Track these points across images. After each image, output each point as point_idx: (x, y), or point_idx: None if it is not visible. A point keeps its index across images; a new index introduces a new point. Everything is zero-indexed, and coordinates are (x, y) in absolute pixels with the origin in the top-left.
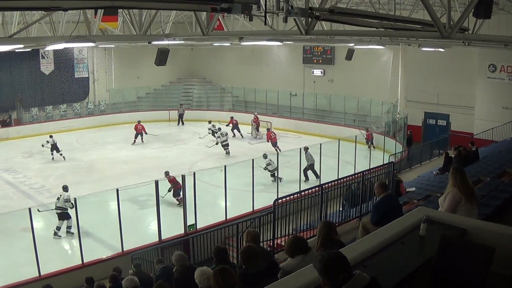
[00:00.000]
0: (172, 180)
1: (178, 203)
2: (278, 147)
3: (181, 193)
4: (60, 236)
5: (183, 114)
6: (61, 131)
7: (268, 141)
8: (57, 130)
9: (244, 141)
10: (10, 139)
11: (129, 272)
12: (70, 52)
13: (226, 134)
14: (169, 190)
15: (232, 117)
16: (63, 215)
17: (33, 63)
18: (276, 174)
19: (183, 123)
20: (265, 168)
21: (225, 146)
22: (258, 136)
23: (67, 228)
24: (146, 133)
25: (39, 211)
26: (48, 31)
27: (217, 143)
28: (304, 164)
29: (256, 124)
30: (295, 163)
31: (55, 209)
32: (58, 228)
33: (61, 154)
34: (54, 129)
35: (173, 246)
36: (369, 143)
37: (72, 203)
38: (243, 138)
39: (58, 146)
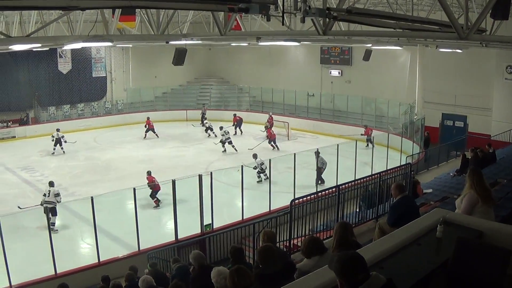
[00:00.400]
0: (150, 180)
1: (154, 205)
2: (276, 145)
3: (157, 196)
4: (57, 230)
5: (205, 113)
6: (79, 130)
7: (266, 138)
8: (74, 129)
9: (259, 141)
10: (27, 137)
11: (144, 271)
12: (87, 51)
13: (228, 132)
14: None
15: (235, 114)
16: (54, 210)
17: (51, 62)
18: (266, 174)
19: (203, 123)
20: (255, 168)
21: (229, 143)
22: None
23: (52, 224)
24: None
25: (19, 208)
26: (65, 31)
27: (221, 141)
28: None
29: (270, 124)
30: (312, 163)
31: (45, 204)
32: (53, 224)
33: (62, 148)
34: (72, 128)
35: (190, 246)
36: (368, 140)
37: (60, 197)
38: (241, 135)
39: (62, 141)
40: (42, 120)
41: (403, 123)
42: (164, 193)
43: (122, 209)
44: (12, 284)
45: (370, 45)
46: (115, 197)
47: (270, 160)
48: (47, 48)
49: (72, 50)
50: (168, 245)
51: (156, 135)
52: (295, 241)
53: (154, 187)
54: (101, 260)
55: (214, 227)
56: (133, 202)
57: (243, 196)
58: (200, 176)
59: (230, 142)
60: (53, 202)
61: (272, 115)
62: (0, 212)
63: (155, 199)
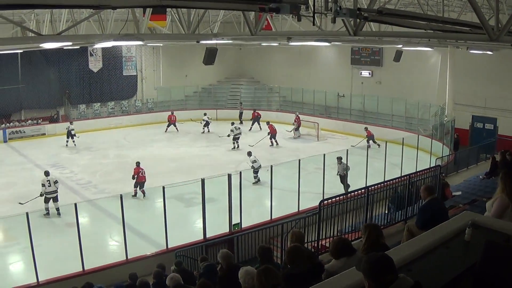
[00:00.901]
0: (135, 172)
1: (133, 194)
2: (276, 140)
3: (138, 187)
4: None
5: (242, 112)
6: (109, 128)
7: (268, 134)
8: (104, 127)
9: (288, 142)
10: (57, 135)
11: (171, 269)
12: (118, 50)
13: (239, 128)
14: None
15: (255, 109)
16: (56, 197)
17: (81, 60)
18: (258, 176)
19: (241, 122)
20: (252, 167)
21: (236, 140)
22: (294, 136)
23: (57, 209)
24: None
25: (20, 204)
26: (96, 29)
27: (228, 135)
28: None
29: (297, 124)
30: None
31: (49, 194)
32: (58, 209)
33: (73, 141)
34: (102, 126)
35: (218, 245)
36: (369, 141)
37: (58, 183)
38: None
39: (73, 134)
40: (72, 118)
41: (433, 124)
42: (193, 192)
43: (151, 207)
44: (40, 280)
45: (401, 46)
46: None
47: (299, 161)
48: (78, 47)
49: (103, 49)
50: (196, 243)
51: (176, 129)
52: (323, 242)
53: (139, 178)
54: (129, 257)
55: (242, 227)
56: (162, 200)
57: (272, 195)
58: (229, 176)
59: (237, 139)
60: (55, 190)
61: (299, 115)
62: (30, 209)
63: (136, 189)
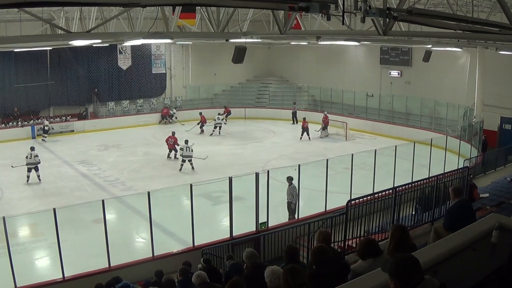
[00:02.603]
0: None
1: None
2: (309, 135)
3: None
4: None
5: (295, 112)
6: (138, 126)
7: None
8: (133, 125)
9: (317, 141)
10: (86, 132)
11: (198, 267)
12: (147, 48)
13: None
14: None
15: (225, 106)
16: (37, 167)
17: (111, 58)
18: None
19: (296, 122)
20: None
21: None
22: (321, 135)
23: (38, 177)
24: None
25: (12, 167)
26: (126, 27)
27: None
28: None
29: (325, 123)
30: (370, 164)
31: (29, 164)
32: (39, 176)
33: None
34: (130, 123)
35: (244, 243)
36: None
37: (39, 158)
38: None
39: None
40: (101, 115)
41: (461, 126)
42: (221, 190)
43: (178, 205)
44: (66, 275)
45: (430, 46)
46: (171, 192)
47: (327, 160)
48: (107, 44)
49: (132, 47)
50: (222, 242)
51: (202, 130)
52: (350, 242)
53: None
54: (155, 254)
55: (269, 226)
56: (189, 198)
57: (299, 195)
58: (257, 174)
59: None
60: (35, 162)
61: (327, 115)
62: (57, 204)
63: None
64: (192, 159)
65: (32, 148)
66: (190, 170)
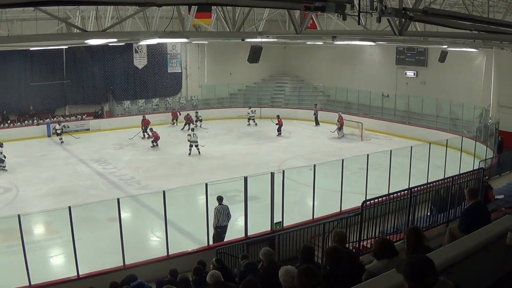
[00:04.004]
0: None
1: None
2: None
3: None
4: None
5: (317, 114)
6: (153, 125)
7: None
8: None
9: (332, 141)
10: (101, 130)
11: (210, 267)
12: (163, 47)
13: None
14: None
15: (278, 116)
16: (2, 160)
17: (126, 57)
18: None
19: (318, 123)
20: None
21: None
22: (338, 136)
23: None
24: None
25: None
26: (141, 26)
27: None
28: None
29: (340, 123)
30: (385, 165)
31: None
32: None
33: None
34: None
35: (259, 243)
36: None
37: (4, 155)
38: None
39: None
40: (116, 113)
41: (477, 126)
42: (236, 189)
43: (193, 204)
44: (80, 273)
45: (445, 46)
46: (186, 191)
47: (343, 161)
48: (123, 43)
49: (148, 46)
50: (237, 241)
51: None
52: (365, 242)
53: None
54: (170, 253)
55: (284, 225)
56: (204, 197)
57: (314, 195)
58: (272, 174)
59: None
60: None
61: (342, 115)
62: (72, 203)
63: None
64: (199, 145)
65: (1, 145)
66: (205, 168)
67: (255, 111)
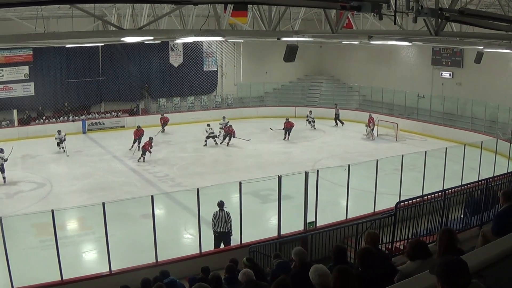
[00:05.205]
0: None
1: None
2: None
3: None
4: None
5: (338, 113)
6: (188, 123)
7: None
8: (184, 122)
9: (367, 142)
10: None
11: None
12: (199, 45)
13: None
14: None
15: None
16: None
17: (162, 55)
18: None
19: (342, 123)
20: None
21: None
22: (372, 137)
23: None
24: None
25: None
26: (177, 24)
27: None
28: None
29: (373, 124)
30: (420, 166)
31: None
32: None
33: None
34: (181, 120)
35: (291, 242)
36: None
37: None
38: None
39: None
40: (152, 111)
41: None
42: (270, 188)
43: (227, 202)
44: (112, 269)
45: (481, 47)
46: (220, 189)
47: (377, 161)
48: (159, 41)
49: (184, 44)
50: (270, 240)
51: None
52: (398, 244)
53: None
54: (202, 251)
55: (317, 225)
56: (238, 195)
57: (348, 195)
58: (306, 174)
59: (213, 137)
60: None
61: (373, 116)
62: (106, 199)
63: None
64: (216, 138)
65: (1, 150)
66: (240, 166)
67: (311, 112)
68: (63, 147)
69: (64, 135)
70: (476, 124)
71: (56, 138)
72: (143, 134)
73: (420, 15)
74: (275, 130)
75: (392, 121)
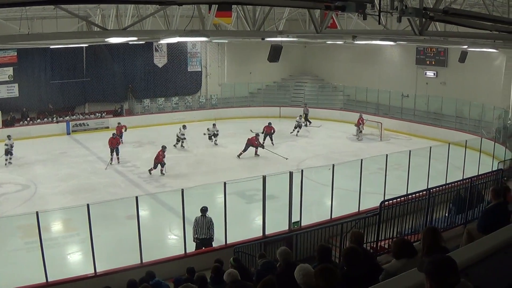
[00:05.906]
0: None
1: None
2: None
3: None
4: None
5: (307, 113)
6: (172, 123)
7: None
8: (168, 122)
9: (351, 141)
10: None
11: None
12: (183, 46)
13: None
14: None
15: (269, 123)
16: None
17: (147, 55)
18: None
19: (309, 122)
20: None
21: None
22: (359, 137)
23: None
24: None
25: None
26: (162, 25)
27: (204, 134)
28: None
29: (363, 125)
30: (404, 165)
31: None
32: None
33: (10, 158)
34: (165, 121)
35: (277, 242)
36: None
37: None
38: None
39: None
40: (136, 112)
41: (496, 127)
42: (255, 188)
43: (212, 202)
44: (98, 271)
45: (466, 46)
46: (205, 190)
47: (361, 161)
48: (143, 42)
49: (168, 44)
50: (255, 240)
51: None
52: (382, 243)
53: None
54: (187, 252)
55: (301, 225)
56: (223, 196)
57: (332, 195)
58: (290, 173)
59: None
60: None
61: (363, 116)
62: (91, 200)
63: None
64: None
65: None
66: (224, 167)
67: (301, 116)
68: (9, 159)
69: (13, 142)
70: (460, 123)
71: (6, 145)
72: (119, 143)
73: (405, 14)
74: (255, 132)
75: (376, 121)
